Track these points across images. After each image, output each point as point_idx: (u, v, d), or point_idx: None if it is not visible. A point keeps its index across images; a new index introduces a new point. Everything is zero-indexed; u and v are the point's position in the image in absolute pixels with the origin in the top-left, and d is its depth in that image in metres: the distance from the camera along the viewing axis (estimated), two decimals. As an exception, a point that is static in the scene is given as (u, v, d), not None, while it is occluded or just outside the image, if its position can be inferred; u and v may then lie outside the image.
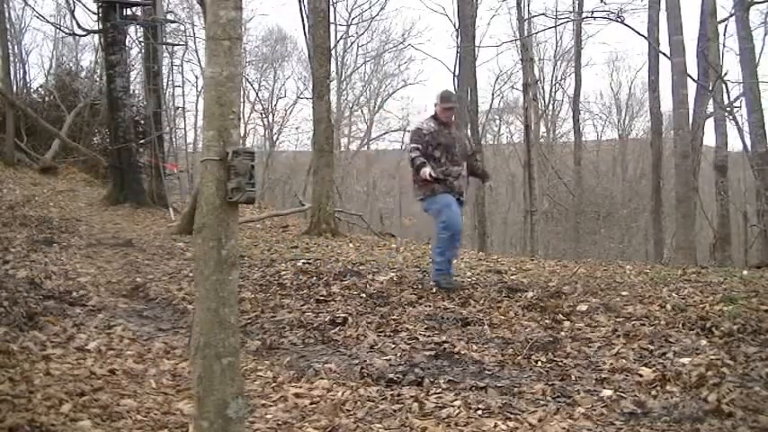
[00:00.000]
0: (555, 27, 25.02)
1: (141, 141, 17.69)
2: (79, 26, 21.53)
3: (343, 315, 5.71)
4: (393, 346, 4.93)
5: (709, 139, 17.33)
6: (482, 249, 16.52)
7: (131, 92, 19.00)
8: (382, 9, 39.67)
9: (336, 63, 28.21)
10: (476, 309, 6.03)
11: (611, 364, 4.40)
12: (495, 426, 3.43)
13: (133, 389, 3.87)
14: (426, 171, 6.32)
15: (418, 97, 79.32)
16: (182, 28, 24.13)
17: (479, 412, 3.62)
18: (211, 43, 2.60)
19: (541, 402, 3.77)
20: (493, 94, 31.15)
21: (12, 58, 23.80)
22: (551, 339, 5.00)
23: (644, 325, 5.23)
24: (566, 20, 19.96)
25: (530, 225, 19.27)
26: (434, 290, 6.58)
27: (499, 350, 4.78)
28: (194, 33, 26.88)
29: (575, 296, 6.35)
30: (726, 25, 15.72)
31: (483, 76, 54.76)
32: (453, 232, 6.45)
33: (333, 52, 19.92)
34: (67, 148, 20.80)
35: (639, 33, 16.03)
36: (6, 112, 19.38)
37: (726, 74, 13.81)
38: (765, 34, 20.85)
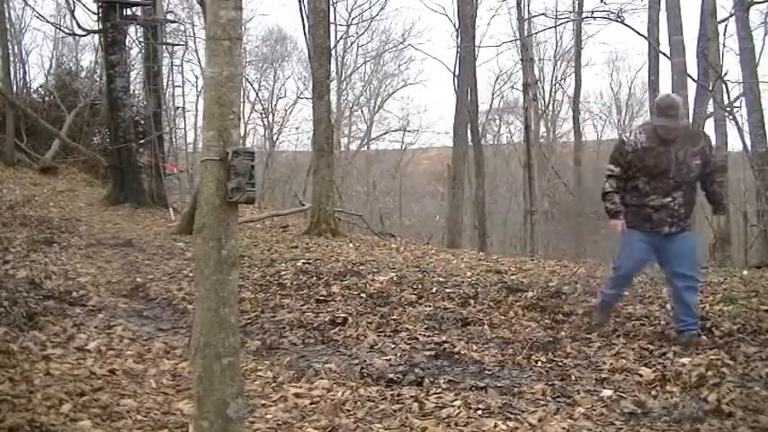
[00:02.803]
0: (555, 27, 24.99)
1: (141, 141, 17.69)
2: (79, 26, 21.55)
3: (343, 315, 5.71)
4: (393, 346, 4.93)
5: (710, 139, 17.39)
6: (482, 249, 16.52)
7: (131, 92, 19.00)
8: (382, 9, 39.62)
9: (336, 63, 28.20)
10: (476, 309, 6.03)
11: (611, 364, 4.40)
12: (495, 426, 3.43)
13: (133, 389, 3.87)
14: (618, 225, 4.99)
15: (418, 97, 79.72)
16: (182, 28, 24.15)
17: (479, 412, 3.62)
18: (211, 43, 2.60)
19: (541, 402, 3.77)
20: (493, 94, 31.14)
21: (12, 58, 23.79)
22: (551, 339, 5.00)
23: (644, 325, 5.24)
24: (566, 20, 19.96)
25: (530, 225, 19.26)
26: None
27: (499, 350, 4.78)
28: (194, 33, 26.87)
29: (575, 296, 6.36)
30: (726, 25, 15.74)
31: (483, 76, 54.68)
32: (621, 275, 5.17)
33: (333, 52, 19.93)
34: (67, 148, 20.81)
35: (639, 33, 16.02)
36: (6, 112, 19.38)
37: (726, 74, 13.80)
38: (765, 34, 20.84)
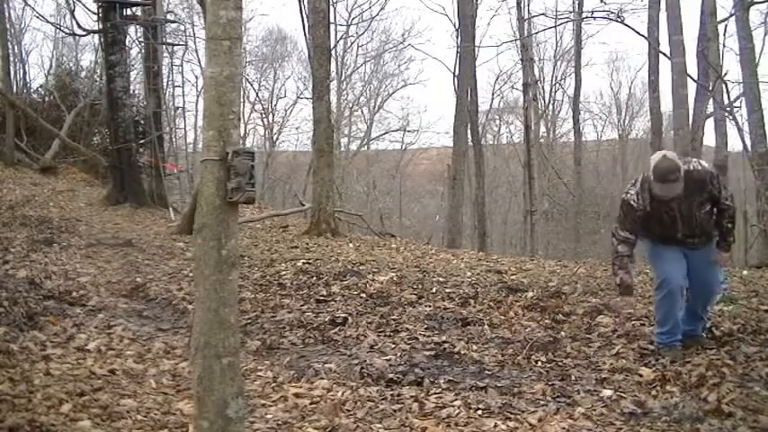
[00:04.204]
0: (555, 27, 24.97)
1: (141, 141, 17.67)
2: (79, 26, 21.50)
3: (343, 315, 5.71)
4: (393, 346, 4.93)
5: (709, 139, 17.35)
6: (482, 249, 16.51)
7: (131, 92, 18.97)
8: (382, 9, 39.42)
9: (336, 63, 28.16)
10: (476, 309, 6.03)
11: (611, 364, 4.40)
12: (495, 426, 3.44)
13: (133, 389, 3.88)
14: (629, 303, 4.85)
15: (418, 97, 79.65)
16: (182, 28, 24.07)
17: (479, 412, 3.62)
18: (211, 43, 2.60)
19: (541, 402, 3.77)
20: (493, 94, 31.07)
21: (12, 58, 23.78)
22: (551, 339, 5.00)
23: (644, 325, 5.23)
24: (566, 20, 19.94)
25: (530, 225, 19.26)
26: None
27: (499, 350, 4.78)
28: (194, 33, 26.82)
29: (575, 296, 6.36)
30: (726, 25, 15.72)
31: (483, 76, 54.80)
32: (670, 289, 4.54)
33: (333, 52, 19.90)
34: (67, 148, 20.78)
35: (639, 33, 15.99)
36: (6, 112, 19.36)
37: (726, 74, 13.80)
38: (765, 34, 20.79)
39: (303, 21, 18.41)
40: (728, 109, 13.27)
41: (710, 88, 12.95)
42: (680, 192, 4.34)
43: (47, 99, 23.41)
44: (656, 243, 4.65)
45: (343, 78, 31.07)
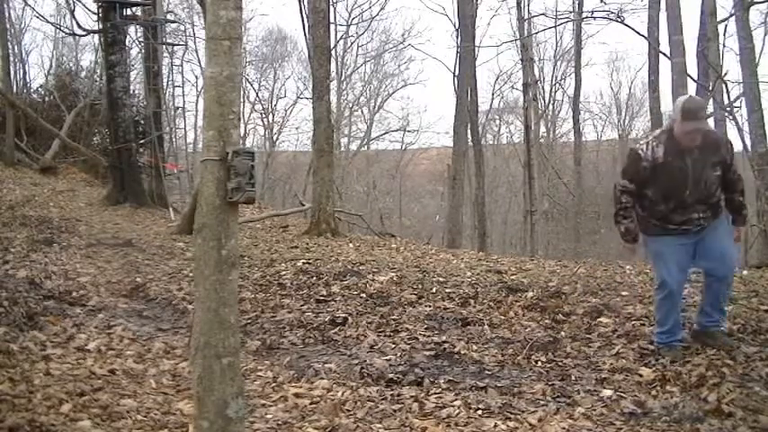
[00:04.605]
0: (555, 27, 25.00)
1: (141, 141, 17.68)
2: (79, 26, 21.51)
3: (344, 315, 5.71)
4: (393, 346, 4.93)
5: (709, 139, 17.37)
6: (482, 249, 16.52)
7: (131, 92, 18.98)
8: (382, 9, 39.45)
9: (336, 63, 28.17)
10: (476, 309, 6.03)
11: (611, 364, 4.40)
12: (495, 426, 3.44)
13: (133, 389, 3.88)
14: (633, 250, 4.71)
15: (418, 97, 79.68)
16: (182, 28, 24.08)
17: (479, 412, 3.62)
18: (211, 43, 2.60)
19: (541, 402, 3.77)
20: (493, 94, 31.09)
21: (12, 58, 23.79)
22: (551, 339, 5.00)
23: (644, 325, 5.23)
24: (566, 20, 19.97)
25: (530, 225, 19.24)
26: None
27: (499, 350, 4.78)
28: (194, 33, 26.84)
29: (575, 296, 6.35)
30: (726, 25, 15.71)
31: (483, 76, 54.83)
32: (671, 290, 4.50)
33: (333, 52, 19.91)
34: (67, 148, 20.78)
35: (639, 33, 16.02)
36: (6, 112, 19.36)
37: (726, 74, 13.79)
38: (765, 34, 20.80)
39: (303, 21, 18.43)
40: (728, 109, 13.27)
41: (710, 88, 12.94)
42: (699, 142, 4.30)
43: (47, 99, 23.42)
44: (659, 235, 4.51)
45: (343, 78, 31.09)
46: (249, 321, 5.58)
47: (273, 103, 34.08)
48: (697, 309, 4.74)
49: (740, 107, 14.18)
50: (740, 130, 13.02)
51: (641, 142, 4.54)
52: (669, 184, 4.37)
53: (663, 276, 4.52)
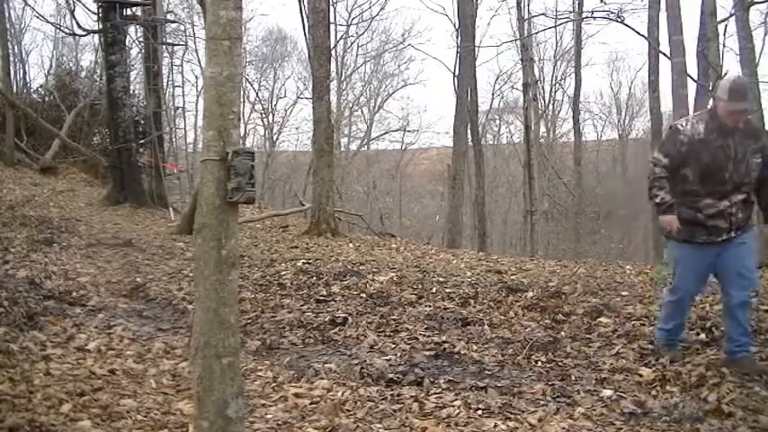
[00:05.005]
0: (555, 27, 24.99)
1: (141, 141, 17.69)
2: (79, 26, 21.51)
3: (343, 315, 5.71)
4: (393, 346, 4.93)
5: (710, 138, 17.37)
6: (482, 249, 16.52)
7: (131, 92, 18.98)
8: (382, 9, 39.42)
9: (336, 63, 28.17)
10: (476, 309, 6.03)
11: (611, 364, 4.40)
12: (495, 426, 3.44)
13: (133, 389, 3.87)
14: (671, 222, 4.33)
15: (418, 97, 79.65)
16: (182, 28, 24.09)
17: (479, 412, 3.62)
18: (211, 43, 2.60)
19: (541, 402, 3.77)
20: (493, 94, 31.10)
21: (12, 58, 23.81)
22: (551, 339, 5.00)
23: (644, 325, 5.23)
24: (566, 20, 19.95)
25: (530, 225, 19.24)
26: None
27: (499, 350, 4.78)
28: (194, 33, 26.85)
29: (575, 296, 6.36)
30: (726, 25, 15.70)
31: (483, 76, 54.81)
32: (683, 296, 4.47)
33: (333, 52, 19.91)
34: (67, 148, 20.79)
35: (639, 33, 16.02)
36: (6, 112, 19.36)
37: (726, 74, 13.79)
38: (765, 34, 20.82)
39: (303, 21, 18.45)
40: (728, 109, 13.26)
41: (710, 88, 12.93)
42: (741, 125, 4.18)
43: (47, 99, 23.42)
44: (684, 242, 4.35)
45: (343, 78, 31.09)
46: (249, 321, 5.58)
47: (273, 103, 34.12)
48: (724, 336, 4.51)
49: (740, 107, 14.18)
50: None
51: (682, 120, 4.44)
52: (709, 163, 4.18)
53: (680, 282, 4.43)
